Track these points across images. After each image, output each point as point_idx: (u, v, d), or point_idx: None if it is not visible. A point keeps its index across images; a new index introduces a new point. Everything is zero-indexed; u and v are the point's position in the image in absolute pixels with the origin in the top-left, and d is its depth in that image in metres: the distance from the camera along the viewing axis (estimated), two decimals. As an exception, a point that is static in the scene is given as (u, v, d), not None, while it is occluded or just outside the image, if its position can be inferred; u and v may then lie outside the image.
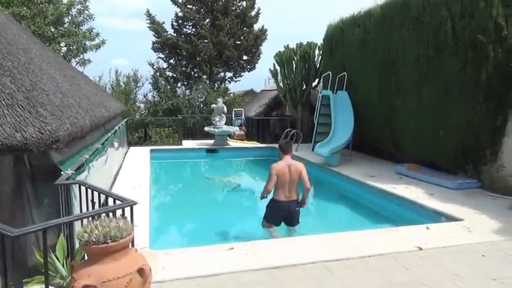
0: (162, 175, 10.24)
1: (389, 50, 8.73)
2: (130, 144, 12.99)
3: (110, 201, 2.80)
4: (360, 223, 6.15)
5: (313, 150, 11.44)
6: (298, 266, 3.73)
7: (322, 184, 9.34)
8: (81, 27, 13.45)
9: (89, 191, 3.02)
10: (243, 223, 6.10)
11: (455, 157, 7.42)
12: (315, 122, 11.56)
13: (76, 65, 13.10)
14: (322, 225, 6.10)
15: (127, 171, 8.34)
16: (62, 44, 13.22)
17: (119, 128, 8.71)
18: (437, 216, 5.51)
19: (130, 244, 2.19)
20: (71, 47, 12.75)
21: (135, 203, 2.53)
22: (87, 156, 4.41)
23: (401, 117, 8.66)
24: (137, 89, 19.92)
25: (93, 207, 2.94)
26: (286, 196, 5.12)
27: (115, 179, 7.44)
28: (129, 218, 2.44)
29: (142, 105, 20.07)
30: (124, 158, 10.01)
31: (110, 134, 7.08)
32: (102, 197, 2.97)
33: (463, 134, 7.11)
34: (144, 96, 19.78)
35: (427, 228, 4.85)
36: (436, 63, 7.42)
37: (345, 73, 10.73)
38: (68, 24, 13.67)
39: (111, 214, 2.39)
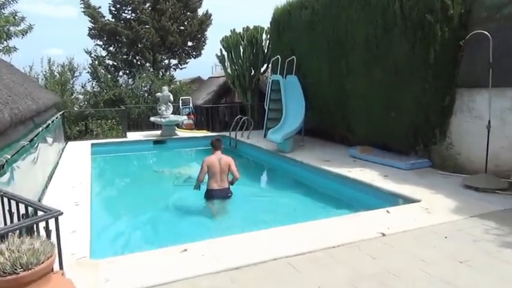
0: (105, 171, 9.47)
1: (338, 31, 8.60)
2: (69, 138, 11.98)
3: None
4: (317, 211, 5.97)
5: (265, 136, 11.21)
6: (259, 265, 3.41)
7: (275, 171, 9.16)
8: (2, 10, 11.97)
9: (5, 199, 2.47)
10: (197, 219, 5.68)
11: (406, 138, 7.47)
12: (266, 108, 11.31)
13: (-1, 53, 11.73)
14: (279, 216, 5.82)
15: (64, 169, 7.57)
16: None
17: (52, 121, 7.87)
18: (394, 199, 5.45)
19: (52, 268, 1.73)
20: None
21: (61, 213, 2.04)
22: (9, 156, 3.77)
23: (353, 99, 8.60)
24: (74, 79, 18.52)
25: (11, 220, 2.41)
26: (219, 185, 5.98)
27: (50, 178, 6.69)
28: (54, 233, 1.96)
29: (81, 97, 18.72)
30: (61, 154, 9.13)
31: (40, 129, 6.32)
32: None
33: (413, 115, 7.15)
34: (83, 87, 18.47)
35: (388, 212, 4.74)
36: (385, 44, 7.37)
37: (293, 57, 10.51)
38: (-16, 7, 12.12)
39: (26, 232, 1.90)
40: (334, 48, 8.80)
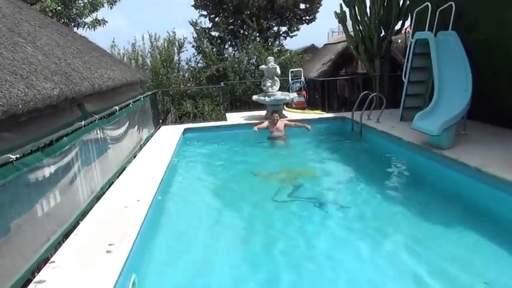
0: (184, 173, 6.85)
1: None
2: (162, 122, 10.56)
3: None
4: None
5: (401, 119, 8.24)
6: None
7: (424, 182, 5.82)
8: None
9: None
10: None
11: None
12: (404, 81, 8.21)
13: (85, 27, 10.56)
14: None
15: (134, 171, 5.80)
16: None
17: (122, 107, 6.13)
18: None
19: None
20: (76, 3, 9.97)
21: None
22: None
23: None
24: (180, 55, 17.33)
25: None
26: (274, 133, 8.49)
27: (104, 189, 4.92)
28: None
29: (186, 74, 17.56)
30: (140, 146, 7.51)
31: (83, 123, 4.47)
32: None
33: None
34: (187, 63, 17.23)
35: None
36: None
37: (451, 3, 7.13)
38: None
39: None
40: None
